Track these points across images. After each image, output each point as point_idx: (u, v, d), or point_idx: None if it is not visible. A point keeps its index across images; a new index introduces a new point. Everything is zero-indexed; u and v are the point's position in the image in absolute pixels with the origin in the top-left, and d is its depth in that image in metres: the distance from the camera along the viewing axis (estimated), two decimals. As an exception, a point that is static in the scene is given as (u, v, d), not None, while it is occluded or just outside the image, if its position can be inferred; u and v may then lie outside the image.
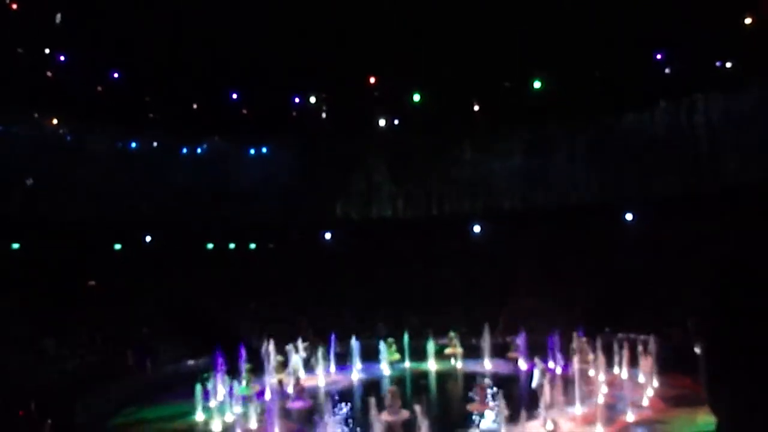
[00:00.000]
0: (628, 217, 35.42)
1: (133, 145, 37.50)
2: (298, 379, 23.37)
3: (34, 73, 29.86)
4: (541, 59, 32.42)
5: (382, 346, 27.85)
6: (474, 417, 19.54)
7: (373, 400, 17.89)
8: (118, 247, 36.31)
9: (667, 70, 32.43)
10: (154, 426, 20.86)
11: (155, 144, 37.94)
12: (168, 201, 37.22)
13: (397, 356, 27.93)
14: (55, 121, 33.60)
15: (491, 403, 19.06)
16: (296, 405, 21.19)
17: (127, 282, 32.85)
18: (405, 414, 18.42)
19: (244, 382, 23.43)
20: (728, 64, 31.07)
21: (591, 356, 23.38)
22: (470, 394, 20.72)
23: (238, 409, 21.12)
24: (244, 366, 24.31)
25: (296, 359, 26.15)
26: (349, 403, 22.17)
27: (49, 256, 31.74)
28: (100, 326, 28.57)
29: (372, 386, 22.24)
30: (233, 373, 23.77)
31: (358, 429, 19.04)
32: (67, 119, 33.81)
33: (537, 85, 33.88)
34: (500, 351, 28.18)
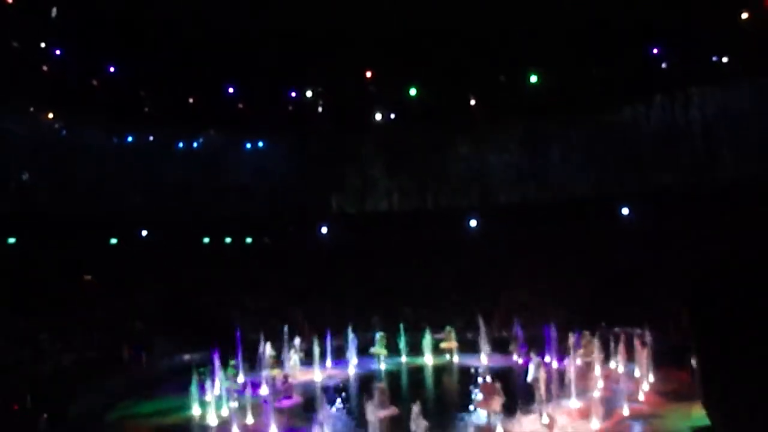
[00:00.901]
0: (625, 211, 35.47)
1: (129, 139, 37.41)
2: (285, 377, 23.28)
3: (29, 67, 29.76)
4: (538, 53, 32.42)
5: (376, 339, 27.84)
6: (476, 412, 19.52)
7: (363, 397, 17.82)
8: (114, 241, 36.23)
9: (663, 65, 32.48)
10: (150, 420, 20.83)
11: (151, 138, 37.86)
12: (164, 195, 37.26)
13: (384, 351, 27.74)
14: (50, 116, 33.49)
15: (498, 400, 18.91)
16: (284, 404, 21.01)
17: (123, 276, 32.82)
18: (393, 410, 18.36)
19: (227, 377, 23.17)
20: (724, 59, 31.10)
21: (595, 351, 23.42)
22: (476, 392, 20.55)
23: (234, 403, 21.04)
24: (230, 362, 24.15)
25: (294, 358, 26.14)
26: (339, 400, 22.16)
27: (45, 251, 31.71)
28: (96, 321, 28.53)
29: (367, 381, 22.21)
30: (225, 367, 23.68)
31: (345, 425, 19.08)
32: (62, 113, 33.72)
33: (533, 79, 33.87)
34: (497, 345, 28.17)
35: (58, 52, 30.63)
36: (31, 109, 32.61)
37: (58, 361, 24.66)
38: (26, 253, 31.50)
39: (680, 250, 29.57)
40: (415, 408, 16.65)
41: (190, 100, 35.36)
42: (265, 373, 24.35)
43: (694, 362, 19.79)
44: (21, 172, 33.03)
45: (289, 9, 30.37)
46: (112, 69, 32.52)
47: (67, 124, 34.49)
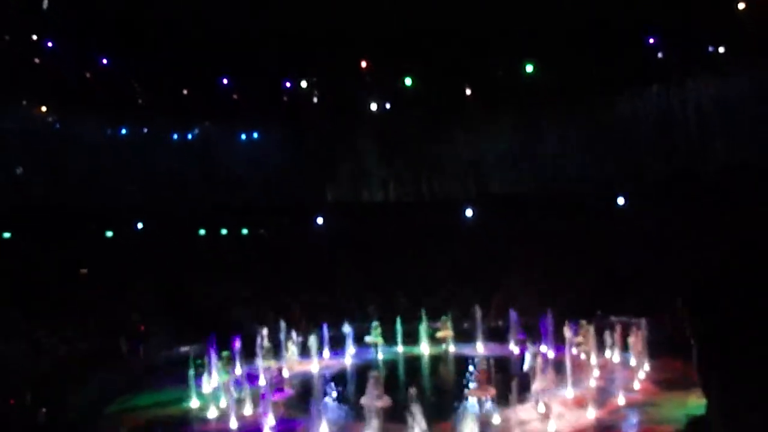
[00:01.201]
0: (620, 201, 35.48)
1: (123, 131, 37.36)
2: (279, 370, 23.29)
3: (21, 60, 29.63)
4: (534, 42, 32.37)
5: (372, 329, 27.91)
6: (469, 401, 19.59)
7: (358, 387, 17.87)
8: (109, 234, 36.18)
9: (659, 55, 32.50)
10: (149, 412, 20.86)
11: (145, 130, 37.81)
12: (159, 187, 37.25)
13: (380, 340, 27.81)
14: (43, 109, 33.38)
15: (492, 389, 19.08)
16: (275, 397, 20.92)
17: (119, 269, 32.82)
18: (386, 401, 18.38)
19: (219, 370, 23.13)
20: (721, 49, 31.14)
21: (591, 341, 23.49)
22: (470, 379, 20.60)
23: (229, 394, 20.94)
24: (223, 353, 24.09)
25: (291, 349, 26.21)
26: (334, 390, 22.19)
27: (40, 245, 31.67)
28: (92, 314, 28.53)
29: (363, 371, 22.20)
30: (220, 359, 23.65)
31: (340, 416, 19.20)
32: (55, 107, 33.63)
33: (529, 68, 33.84)
34: (493, 334, 28.29)
35: (50, 44, 30.50)
36: (24, 102, 32.50)
37: (56, 355, 24.65)
38: (21, 248, 31.46)
39: (675, 240, 29.68)
40: (411, 398, 16.73)
41: (185, 92, 35.29)
42: (260, 364, 24.47)
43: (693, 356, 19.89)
44: (15, 167, 32.96)
45: (288, 9, 30.29)
46: (105, 61, 32.44)
47: (60, 117, 34.43)
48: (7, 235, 32.16)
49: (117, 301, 30.44)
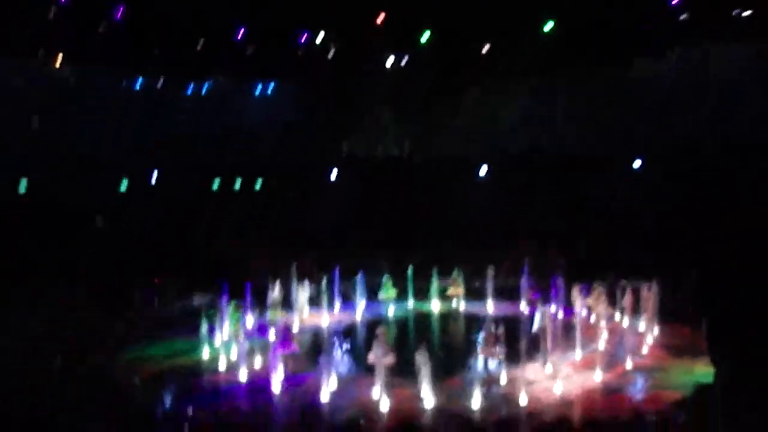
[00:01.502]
0: (636, 165, 35.15)
1: (137, 85, 37.26)
2: (288, 324, 23.34)
3: (34, 15, 29.46)
4: (552, 5, 31.88)
5: (383, 284, 28.00)
6: (477, 360, 19.67)
7: (364, 343, 17.99)
8: (123, 187, 36.29)
9: (682, 17, 31.87)
10: (162, 362, 21.13)
11: (159, 83, 37.69)
12: (173, 140, 37.21)
13: (393, 293, 27.89)
14: (57, 64, 33.29)
15: (498, 351, 19.13)
16: (279, 351, 20.22)
17: (133, 221, 33.06)
18: (390, 358, 18.41)
19: (230, 319, 23.26)
20: (745, 14, 30.50)
21: (603, 304, 23.40)
22: (479, 339, 20.70)
23: (238, 346, 21.08)
24: (233, 303, 24.14)
25: (302, 301, 26.36)
26: (341, 346, 22.28)
27: (54, 198, 31.94)
28: (108, 265, 28.82)
29: (372, 327, 22.20)
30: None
31: (347, 371, 19.47)
32: (70, 60, 33.54)
33: (547, 28, 33.36)
34: (504, 293, 28.27)
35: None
36: (37, 55, 32.42)
37: (69, 307, 24.78)
38: (36, 200, 31.74)
39: (689, 206, 29.54)
40: (418, 356, 16.90)
41: (199, 45, 35.10)
42: (270, 316, 24.70)
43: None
44: (30, 120, 33.07)
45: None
46: (118, 13, 32.23)
47: (74, 70, 34.37)
48: (23, 189, 32.27)
49: (131, 253, 30.68)
